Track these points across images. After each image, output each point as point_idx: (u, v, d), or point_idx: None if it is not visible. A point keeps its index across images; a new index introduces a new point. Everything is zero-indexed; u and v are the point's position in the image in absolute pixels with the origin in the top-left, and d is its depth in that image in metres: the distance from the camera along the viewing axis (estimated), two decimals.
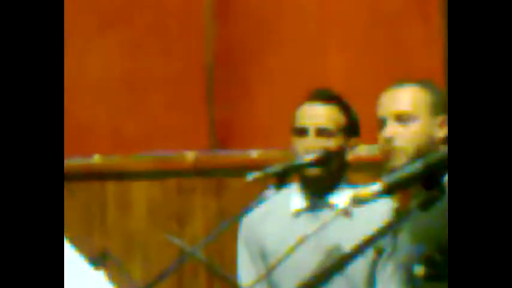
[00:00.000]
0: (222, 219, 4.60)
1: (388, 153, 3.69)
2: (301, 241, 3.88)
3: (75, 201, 5.95)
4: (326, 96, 4.14)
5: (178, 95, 6.00)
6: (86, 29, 6.16)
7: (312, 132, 4.07)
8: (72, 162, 5.93)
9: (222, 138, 5.93)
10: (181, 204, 5.91)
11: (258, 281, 4.09)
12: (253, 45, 5.93)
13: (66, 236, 3.27)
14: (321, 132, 4.07)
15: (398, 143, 3.64)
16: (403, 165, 3.26)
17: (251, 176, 3.98)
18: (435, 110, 3.70)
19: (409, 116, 3.66)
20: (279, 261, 3.96)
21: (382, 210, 3.73)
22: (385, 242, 3.85)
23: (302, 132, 4.10)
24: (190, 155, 5.85)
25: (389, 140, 3.66)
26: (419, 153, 3.54)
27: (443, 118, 3.69)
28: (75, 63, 6.03)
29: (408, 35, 5.71)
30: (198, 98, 5.91)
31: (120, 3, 6.12)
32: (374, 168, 3.89)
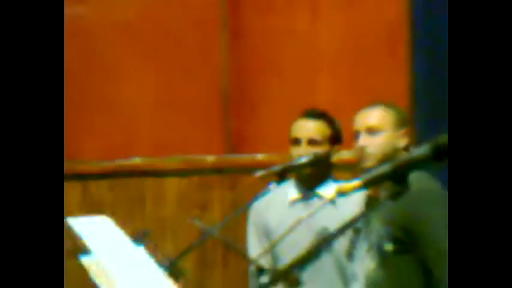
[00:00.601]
0: (235, 207, 4.66)
1: (361, 157, 3.77)
2: (296, 223, 3.94)
3: (121, 194, 5.91)
4: (315, 114, 4.25)
5: (201, 112, 6.00)
6: (130, 60, 6.06)
7: (304, 142, 4.16)
8: (118, 162, 5.99)
9: (234, 145, 5.96)
10: (203, 196, 5.91)
11: (263, 254, 4.13)
12: (259, 73, 5.96)
13: (112, 220, 3.40)
14: (311, 142, 4.15)
15: (369, 150, 3.73)
16: (374, 167, 3.44)
17: (258, 174, 4.05)
18: (397, 125, 3.79)
19: (377, 130, 3.75)
20: (279, 239, 4.03)
21: (359, 200, 3.70)
22: (361, 225, 3.83)
23: (296, 141, 4.18)
24: (210, 158, 5.88)
25: (362, 148, 3.75)
26: (385, 158, 3.65)
27: (404, 131, 3.81)
28: (124, 86, 6.08)
29: (380, 66, 5.75)
30: (216, 115, 5.94)
31: (154, 41, 6.08)
32: (352, 168, 4.00)
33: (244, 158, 5.83)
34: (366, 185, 2.49)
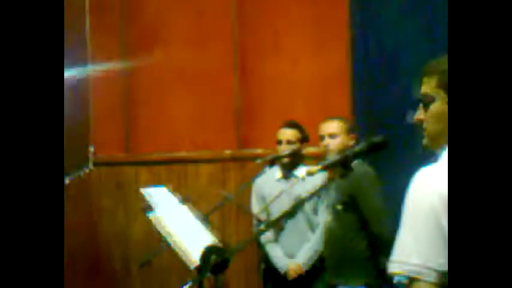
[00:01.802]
0: (244, 182, 4.58)
1: (325, 152, 3.78)
2: (280, 193, 3.98)
3: (173, 174, 5.82)
4: (290, 124, 4.21)
5: (222, 122, 5.90)
6: (176, 88, 6.03)
7: (284, 142, 4.12)
8: (171, 154, 5.95)
9: (243, 143, 5.84)
10: (223, 175, 5.81)
11: (260, 211, 4.12)
12: (259, 98, 5.84)
13: (168, 189, 3.28)
14: (288, 142, 4.10)
15: (330, 148, 3.72)
16: (331, 158, 3.41)
17: (258, 161, 4.21)
18: (348, 132, 3.77)
19: (335, 135, 3.73)
20: (270, 203, 4.04)
21: (321, 178, 3.64)
22: (322, 193, 3.87)
23: (280, 142, 4.13)
24: (228, 152, 5.81)
25: (325, 146, 3.76)
26: (339, 152, 3.52)
27: (352, 135, 3.78)
28: (173, 105, 6.03)
29: (333, 96, 5.62)
30: (232, 124, 5.83)
31: (191, 77, 5.97)
32: (316, 158, 3.97)
33: (249, 151, 5.69)
34: (324, 169, 2.62)
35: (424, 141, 1.78)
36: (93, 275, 5.89)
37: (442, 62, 1.72)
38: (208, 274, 2.26)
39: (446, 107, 1.70)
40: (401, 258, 1.61)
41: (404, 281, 1.61)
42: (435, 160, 1.72)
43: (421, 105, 1.77)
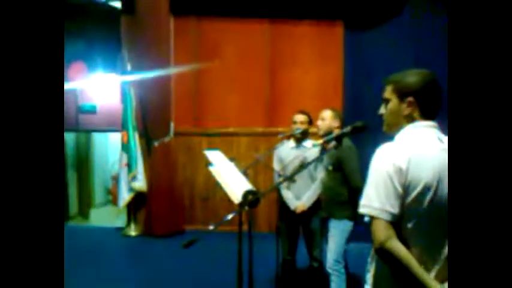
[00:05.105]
0: (269, 149, 4.17)
1: (318, 131, 3.51)
2: (294, 157, 3.79)
3: (224, 143, 5.71)
4: (303, 111, 3.91)
5: (257, 109, 5.86)
6: (226, 86, 5.94)
7: (298, 123, 3.84)
8: (223, 129, 5.90)
9: (269, 123, 5.80)
10: (256, 144, 5.77)
11: (280, 169, 3.86)
12: (282, 93, 5.78)
13: (221, 152, 3.05)
14: (301, 123, 3.83)
15: (320, 127, 3.46)
16: (325, 135, 3.39)
17: (280, 136, 3.94)
18: (333, 118, 3.46)
19: (325, 119, 3.47)
20: (287, 163, 3.83)
21: (319, 148, 3.58)
22: (321, 158, 3.58)
23: (295, 123, 3.85)
24: (260, 129, 5.76)
25: (317, 126, 3.51)
26: (325, 131, 3.41)
27: (336, 120, 3.46)
28: (226, 97, 5.96)
29: (330, 97, 5.65)
30: (263, 110, 5.79)
31: (236, 78, 5.92)
32: (315, 136, 3.67)
33: (274, 129, 5.57)
34: (324, 143, 2.56)
35: (384, 127, 1.72)
36: (171, 207, 5.89)
37: (396, 75, 1.68)
38: (246, 208, 2.26)
39: (398, 106, 1.65)
40: (366, 203, 1.56)
41: (368, 219, 1.57)
42: (391, 140, 1.65)
43: (383, 104, 1.72)
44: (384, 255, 1.52)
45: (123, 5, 5.90)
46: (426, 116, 1.65)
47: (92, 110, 6.58)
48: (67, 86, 6.13)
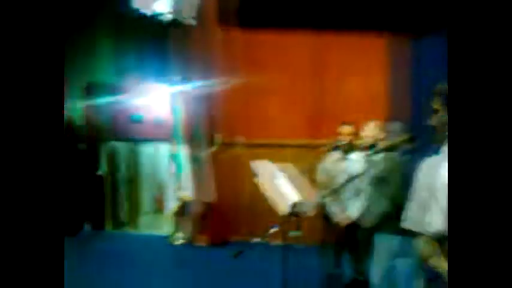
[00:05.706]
0: (315, 161, 4.20)
1: (363, 143, 3.40)
2: (340, 171, 3.73)
3: (268, 154, 5.25)
4: (348, 123, 3.92)
5: (301, 120, 5.85)
6: (269, 95, 6.08)
7: (343, 135, 3.86)
8: (266, 140, 5.93)
9: (313, 135, 5.79)
10: (300, 156, 5.30)
11: (324, 183, 3.78)
12: (326, 106, 5.77)
13: (268, 161, 3.13)
14: (346, 135, 3.83)
15: (366, 140, 3.36)
16: (371, 149, 3.26)
17: (323, 148, 3.99)
18: (380, 130, 3.28)
19: (370, 131, 3.36)
20: (333, 177, 3.75)
21: (365, 160, 3.43)
22: (366, 171, 3.40)
23: (340, 134, 3.88)
24: (305, 140, 5.74)
25: (364, 139, 3.41)
26: (373, 145, 3.24)
27: (382, 133, 3.26)
28: (269, 107, 6.02)
29: (375, 112, 5.72)
30: (306, 122, 5.81)
31: (280, 87, 5.99)
32: (360, 148, 3.64)
33: (319, 141, 5.11)
34: (373, 154, 2.47)
35: (433, 139, 1.67)
36: (218, 217, 5.97)
37: (445, 86, 1.64)
38: (294, 218, 2.31)
39: (447, 117, 1.60)
40: (410, 219, 1.54)
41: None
42: (437, 153, 1.62)
43: (432, 115, 1.69)
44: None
45: (173, 18, 6.08)
46: None
47: (141, 121, 6.80)
48: (120, 97, 6.37)
